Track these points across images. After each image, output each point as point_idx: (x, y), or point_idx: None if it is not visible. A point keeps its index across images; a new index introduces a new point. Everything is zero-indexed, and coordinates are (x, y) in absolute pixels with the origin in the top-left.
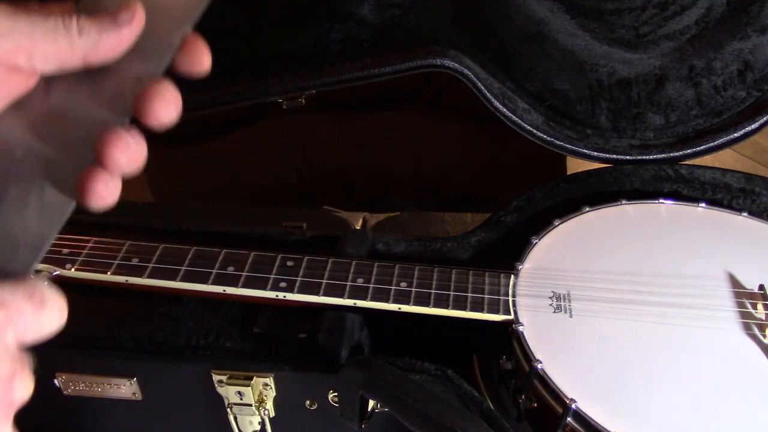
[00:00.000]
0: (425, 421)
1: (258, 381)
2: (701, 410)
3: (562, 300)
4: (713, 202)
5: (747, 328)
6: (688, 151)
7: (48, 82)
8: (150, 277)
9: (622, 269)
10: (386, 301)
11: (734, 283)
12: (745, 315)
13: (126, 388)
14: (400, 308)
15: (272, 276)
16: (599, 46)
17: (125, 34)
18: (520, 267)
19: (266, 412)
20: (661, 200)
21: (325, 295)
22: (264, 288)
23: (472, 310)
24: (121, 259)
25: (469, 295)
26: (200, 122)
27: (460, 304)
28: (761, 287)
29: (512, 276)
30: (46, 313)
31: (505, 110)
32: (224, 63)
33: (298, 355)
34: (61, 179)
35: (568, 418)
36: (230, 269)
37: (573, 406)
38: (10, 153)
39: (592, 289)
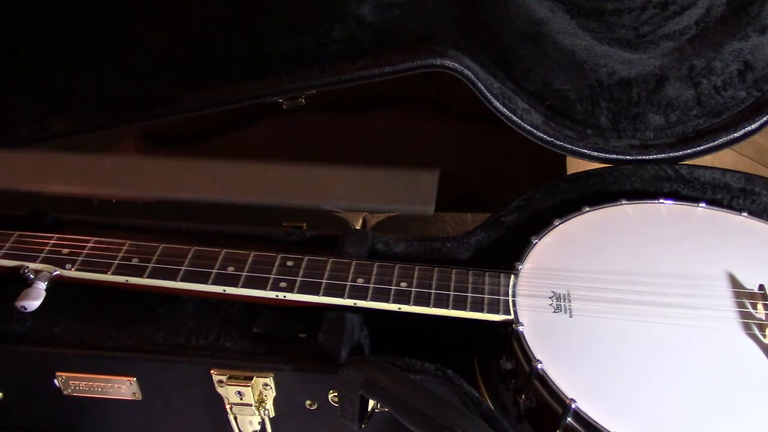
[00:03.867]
0: (425, 421)
1: (258, 381)
2: (701, 410)
3: (562, 300)
4: (713, 202)
5: (747, 328)
6: (688, 151)
7: None
8: (150, 277)
9: (622, 269)
10: (386, 301)
11: (734, 283)
12: (745, 315)
13: (126, 388)
14: (400, 308)
15: (272, 276)
16: (599, 46)
17: None
18: (520, 267)
19: (266, 412)
20: (661, 200)
21: (325, 295)
22: (264, 288)
23: (472, 310)
24: (121, 259)
25: (469, 295)
26: (200, 122)
27: (460, 304)
28: (761, 287)
29: (512, 276)
30: None
31: (505, 110)
32: (224, 63)
33: (298, 355)
34: None
35: (568, 418)
36: (230, 269)
37: (573, 406)
38: None
39: (592, 289)
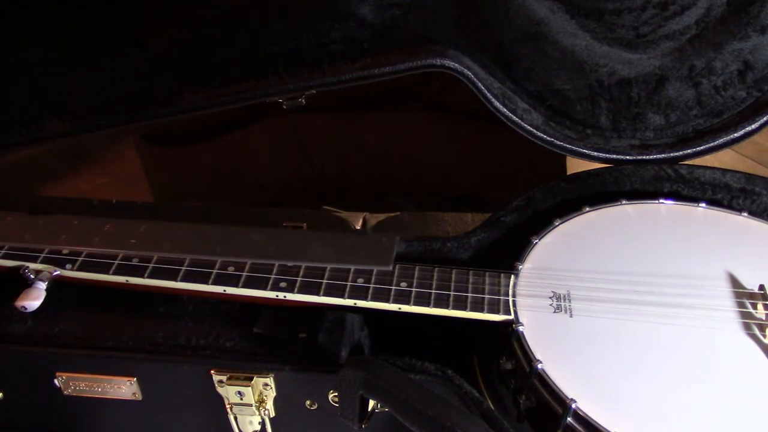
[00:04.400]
0: (425, 421)
1: (258, 381)
2: (701, 410)
3: (562, 300)
4: (713, 202)
5: (747, 328)
6: (689, 151)
7: None
8: (150, 277)
9: (622, 269)
10: (386, 301)
11: (734, 283)
12: (745, 315)
13: (126, 388)
14: (400, 308)
15: (272, 276)
16: (599, 46)
17: None
18: (520, 267)
19: (266, 412)
20: (661, 200)
21: (325, 295)
22: (264, 288)
23: (472, 310)
24: (121, 259)
25: (469, 295)
26: (200, 122)
27: (460, 304)
28: (761, 287)
29: (512, 276)
30: None
31: (505, 110)
32: (224, 63)
33: (298, 355)
34: None
35: (568, 418)
36: (230, 269)
37: (573, 406)
38: None
39: (592, 289)
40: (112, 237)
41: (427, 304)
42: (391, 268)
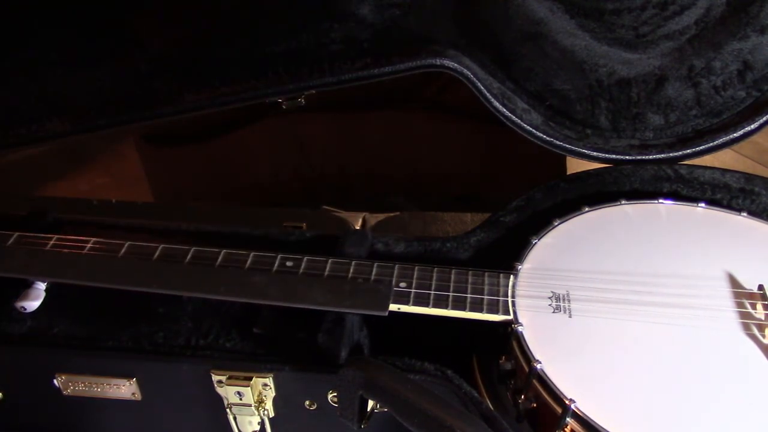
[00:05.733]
0: (425, 421)
1: (257, 381)
2: (700, 410)
3: (561, 300)
4: (713, 202)
5: (746, 328)
6: (688, 151)
7: None
8: None
9: (622, 269)
10: None
11: (734, 283)
12: (744, 315)
13: (126, 388)
14: (399, 308)
15: None
16: (599, 46)
17: None
18: (520, 267)
19: (266, 412)
20: (660, 200)
21: None
22: None
23: (472, 310)
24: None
25: (469, 295)
26: (200, 122)
27: (459, 305)
28: (761, 287)
29: (512, 276)
30: None
31: (504, 110)
32: (224, 63)
33: (298, 355)
34: None
35: (568, 418)
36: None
37: (572, 406)
38: None
39: (591, 289)
40: (121, 273)
41: (427, 305)
42: (387, 314)
